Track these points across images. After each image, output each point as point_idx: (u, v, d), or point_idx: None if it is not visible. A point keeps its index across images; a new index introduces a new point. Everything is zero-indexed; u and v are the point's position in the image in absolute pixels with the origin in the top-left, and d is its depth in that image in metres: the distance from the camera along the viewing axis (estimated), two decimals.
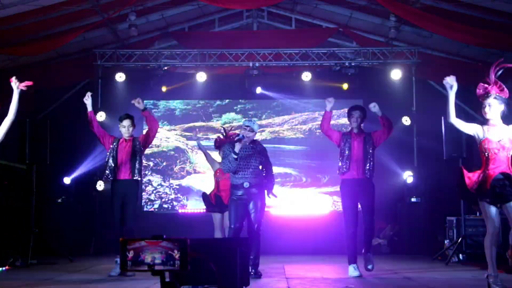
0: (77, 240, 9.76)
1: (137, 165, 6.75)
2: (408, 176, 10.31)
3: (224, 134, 7.57)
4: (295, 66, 10.66)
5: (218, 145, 7.43)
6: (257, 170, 6.32)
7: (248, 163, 6.26)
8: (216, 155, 7.69)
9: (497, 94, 5.02)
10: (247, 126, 6.36)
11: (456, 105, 10.87)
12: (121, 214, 6.65)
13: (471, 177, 4.97)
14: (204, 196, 7.52)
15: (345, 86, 10.58)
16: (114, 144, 6.77)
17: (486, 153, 4.97)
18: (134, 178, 6.73)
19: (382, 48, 10.42)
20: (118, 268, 6.45)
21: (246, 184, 6.19)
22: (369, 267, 6.37)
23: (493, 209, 4.91)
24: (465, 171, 5.01)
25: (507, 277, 6.25)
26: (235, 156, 6.10)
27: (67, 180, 10.22)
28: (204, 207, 7.71)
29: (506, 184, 4.85)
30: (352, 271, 6.38)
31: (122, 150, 6.73)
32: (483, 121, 5.19)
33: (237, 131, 7.49)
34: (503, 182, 4.85)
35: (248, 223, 6.30)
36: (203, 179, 10.62)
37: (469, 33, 8.53)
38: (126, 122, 6.79)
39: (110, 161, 6.72)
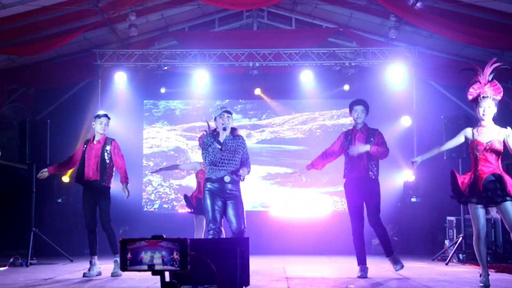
0: (77, 240, 9.77)
1: (107, 170, 6.62)
2: (408, 176, 10.31)
3: (207, 130, 7.46)
4: (295, 66, 10.66)
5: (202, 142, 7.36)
6: (237, 167, 5.71)
7: (232, 157, 5.67)
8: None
9: (494, 96, 5.06)
10: (227, 111, 5.68)
11: (456, 105, 10.87)
12: (91, 216, 6.61)
13: (464, 180, 5.04)
14: (186, 198, 7.49)
15: (346, 87, 10.57)
16: (85, 146, 6.72)
17: (475, 154, 5.04)
18: (103, 184, 6.62)
19: (382, 48, 10.42)
20: (93, 270, 6.49)
21: (227, 178, 5.59)
22: (397, 268, 6.32)
23: (480, 211, 5.02)
24: (457, 175, 5.08)
25: (507, 277, 6.26)
26: (220, 146, 5.56)
27: (66, 179, 10.23)
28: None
29: (497, 187, 4.92)
30: (358, 271, 6.30)
31: (91, 151, 6.66)
32: (469, 123, 5.28)
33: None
34: (494, 184, 4.93)
35: (231, 227, 5.67)
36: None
37: (469, 33, 8.53)
38: (104, 119, 6.72)
39: (80, 162, 6.70)
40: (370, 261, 6.88)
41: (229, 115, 5.67)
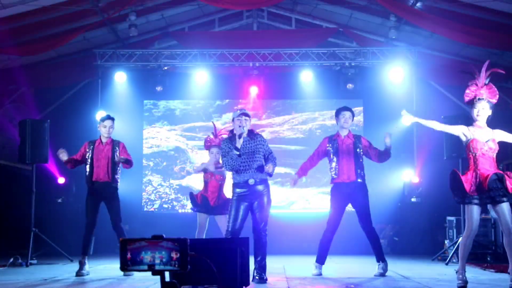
0: (77, 240, 9.75)
1: (117, 171, 6.77)
2: (408, 176, 10.30)
3: (214, 132, 7.52)
4: (295, 66, 10.66)
5: (209, 145, 7.39)
6: (261, 165, 5.77)
7: (252, 158, 5.71)
8: (206, 155, 7.64)
9: (489, 99, 5.16)
10: (244, 114, 5.72)
11: (456, 105, 10.89)
12: (94, 217, 6.65)
13: (467, 180, 5.07)
14: (191, 196, 7.50)
15: (349, 86, 10.52)
16: (91, 147, 6.77)
17: (474, 153, 5.12)
18: (113, 185, 6.74)
19: (382, 48, 10.42)
20: (85, 269, 6.52)
21: (251, 181, 5.68)
22: (376, 273, 6.35)
23: (476, 212, 5.09)
24: (460, 175, 5.14)
25: (508, 277, 6.25)
26: (238, 153, 5.61)
27: (62, 180, 10.24)
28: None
29: (499, 186, 4.99)
30: (314, 268, 6.47)
31: (100, 153, 6.72)
32: (468, 123, 5.35)
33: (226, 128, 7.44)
34: (496, 184, 5.00)
35: (253, 223, 5.86)
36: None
37: (469, 33, 8.54)
38: (107, 123, 6.79)
39: (88, 163, 6.73)
40: (370, 260, 6.90)
41: (247, 117, 5.76)
